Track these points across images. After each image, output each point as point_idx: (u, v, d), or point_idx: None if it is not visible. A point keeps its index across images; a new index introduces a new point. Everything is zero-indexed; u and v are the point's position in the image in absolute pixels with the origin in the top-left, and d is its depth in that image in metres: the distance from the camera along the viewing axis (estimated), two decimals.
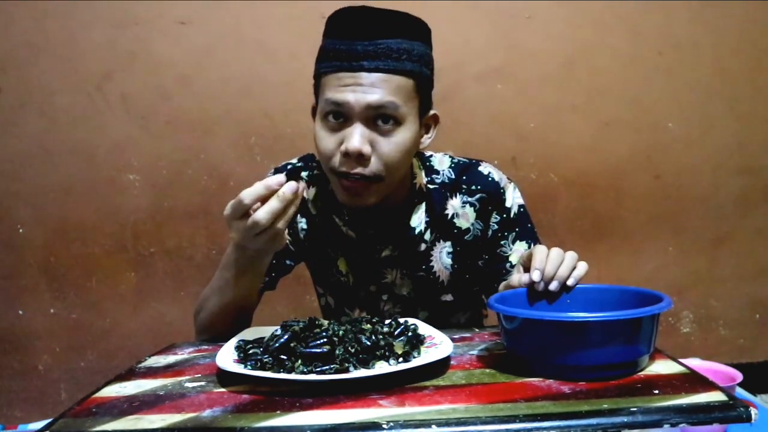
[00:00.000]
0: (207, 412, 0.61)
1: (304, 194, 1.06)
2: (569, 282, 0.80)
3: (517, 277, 0.86)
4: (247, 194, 0.75)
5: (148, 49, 1.78)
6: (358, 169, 0.89)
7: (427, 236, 1.04)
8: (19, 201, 1.77)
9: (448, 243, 1.06)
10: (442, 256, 1.06)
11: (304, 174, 1.08)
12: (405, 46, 0.89)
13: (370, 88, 0.87)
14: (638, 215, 2.03)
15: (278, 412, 0.60)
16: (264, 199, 0.76)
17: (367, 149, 0.88)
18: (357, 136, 0.87)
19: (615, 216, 2.02)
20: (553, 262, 0.80)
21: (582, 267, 0.82)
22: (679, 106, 2.02)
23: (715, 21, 2.00)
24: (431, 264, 1.06)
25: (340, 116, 0.89)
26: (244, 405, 0.63)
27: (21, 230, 1.78)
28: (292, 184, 0.76)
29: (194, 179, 1.82)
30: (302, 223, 1.08)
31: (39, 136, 1.76)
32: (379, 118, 0.88)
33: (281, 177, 0.76)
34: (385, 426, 0.56)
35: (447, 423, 0.56)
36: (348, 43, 0.88)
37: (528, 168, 1.93)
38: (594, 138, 1.99)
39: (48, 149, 1.76)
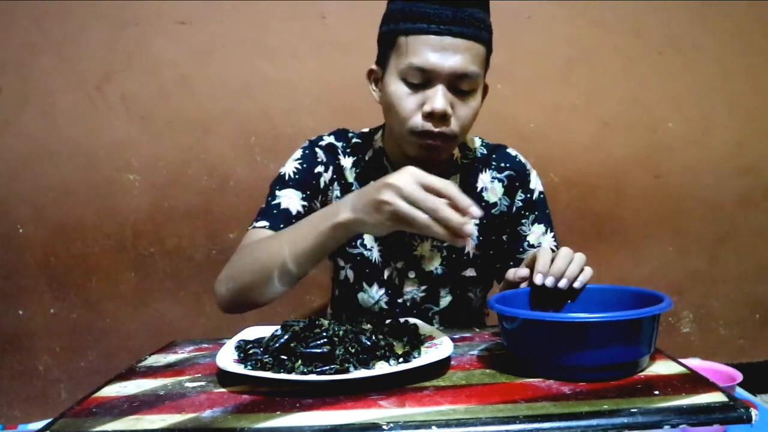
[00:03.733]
0: (207, 413, 0.61)
1: (342, 162, 1.09)
2: (576, 284, 0.81)
3: (513, 272, 0.87)
4: (450, 185, 0.73)
5: (148, 49, 1.78)
6: (441, 128, 0.93)
7: None
8: (19, 201, 1.76)
9: None
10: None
11: (340, 144, 1.11)
12: (482, 16, 0.94)
13: (454, 53, 0.91)
14: (638, 215, 2.03)
15: (278, 412, 0.60)
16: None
17: (450, 110, 0.93)
18: (441, 98, 0.91)
19: (615, 216, 2.02)
20: (563, 260, 0.81)
21: (588, 271, 0.83)
22: (679, 106, 2.02)
23: (715, 21, 2.00)
24: None
25: (422, 78, 0.92)
26: (244, 405, 0.63)
27: (21, 230, 1.77)
28: (477, 213, 0.72)
29: (194, 179, 1.82)
30: (337, 191, 1.09)
31: (39, 136, 1.76)
32: (459, 82, 0.93)
33: (478, 211, 0.72)
34: (385, 427, 0.56)
35: (447, 424, 0.56)
36: (435, 7, 0.90)
37: None
38: (594, 138, 1.99)
39: (48, 149, 1.76)
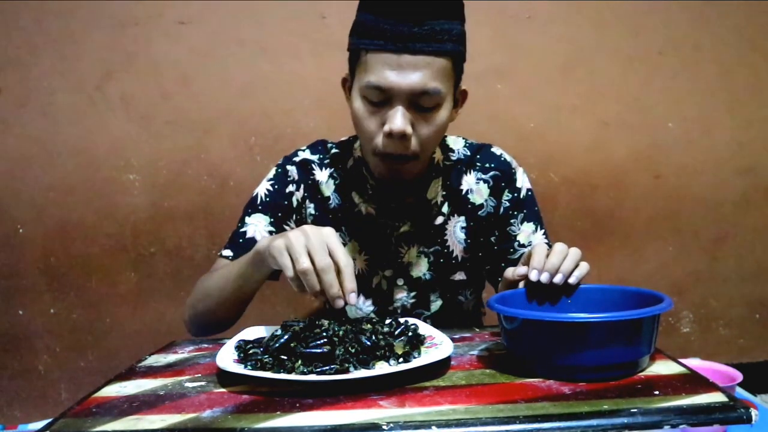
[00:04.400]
0: (207, 413, 0.61)
1: (317, 177, 1.09)
2: (571, 280, 0.80)
3: (512, 271, 0.87)
4: (351, 266, 0.76)
5: (148, 49, 1.78)
6: (400, 150, 0.92)
7: (444, 209, 1.08)
8: (19, 201, 1.76)
9: (462, 218, 1.09)
10: (456, 231, 1.09)
11: (315, 157, 1.10)
12: (446, 27, 0.89)
13: (413, 71, 0.88)
14: (638, 215, 2.03)
15: (278, 412, 0.60)
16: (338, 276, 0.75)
17: (409, 130, 0.90)
18: (400, 118, 0.89)
19: (615, 216, 2.02)
20: (558, 255, 0.80)
21: (584, 267, 0.82)
22: (679, 106, 2.02)
23: (715, 21, 2.00)
24: (446, 238, 1.09)
25: (381, 96, 0.90)
26: (244, 405, 0.63)
27: (21, 230, 1.78)
28: (352, 301, 0.76)
29: (194, 179, 1.82)
30: (311, 208, 1.09)
31: (39, 136, 1.76)
32: (420, 100, 0.90)
33: (354, 299, 0.76)
34: (385, 427, 0.56)
35: (447, 424, 0.56)
36: (392, 23, 0.87)
37: (528, 168, 1.90)
38: (594, 138, 1.99)
39: (48, 149, 1.76)
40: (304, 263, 0.74)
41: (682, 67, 2.00)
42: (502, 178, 1.10)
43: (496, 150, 1.13)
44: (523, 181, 1.11)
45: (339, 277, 0.75)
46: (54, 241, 1.78)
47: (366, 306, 1.09)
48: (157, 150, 1.80)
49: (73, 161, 1.78)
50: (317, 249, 0.74)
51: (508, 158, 1.12)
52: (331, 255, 0.75)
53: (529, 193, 1.12)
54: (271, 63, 1.82)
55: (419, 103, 0.90)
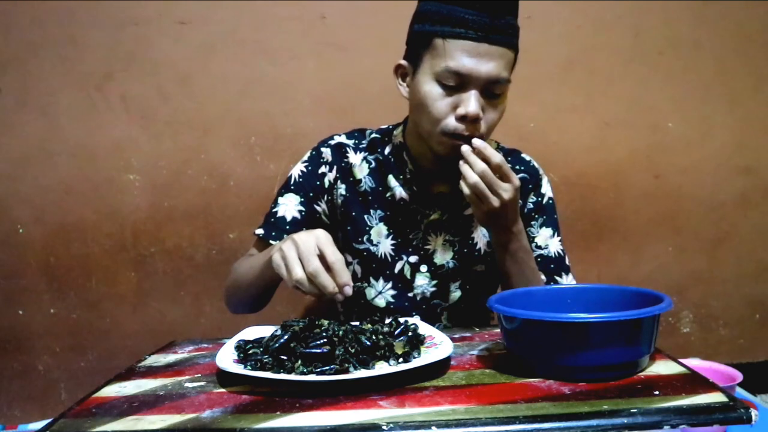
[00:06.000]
0: (207, 413, 0.61)
1: (350, 159, 1.13)
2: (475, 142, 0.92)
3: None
4: (340, 261, 0.81)
5: (148, 49, 1.78)
6: (470, 131, 0.98)
7: None
8: (19, 201, 1.76)
9: None
10: None
11: (350, 142, 1.14)
12: (513, 22, 0.99)
13: (489, 60, 0.95)
14: (638, 215, 2.03)
15: (278, 412, 0.61)
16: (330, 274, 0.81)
17: (482, 114, 0.97)
18: (475, 102, 0.95)
19: (615, 216, 2.01)
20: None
21: (497, 156, 0.93)
22: (679, 106, 2.01)
23: (715, 21, 2.00)
24: (472, 229, 1.13)
25: (457, 81, 0.95)
26: (244, 405, 0.63)
27: (21, 230, 1.77)
28: (348, 293, 0.81)
29: (194, 179, 1.82)
30: (342, 189, 1.12)
31: (39, 136, 1.76)
32: (491, 87, 0.97)
33: (350, 291, 0.82)
34: (384, 427, 0.56)
35: (447, 424, 0.56)
36: (475, 14, 0.93)
37: None
38: (594, 138, 1.99)
39: (48, 149, 1.76)
40: (298, 273, 0.80)
41: (682, 67, 2.00)
42: (529, 182, 1.17)
43: (526, 156, 1.21)
44: (547, 189, 1.19)
45: (331, 274, 0.80)
46: (54, 241, 1.78)
47: (386, 290, 1.11)
48: (157, 150, 1.80)
49: (73, 161, 1.77)
50: (306, 256, 0.80)
51: (537, 165, 1.20)
52: (321, 255, 0.80)
53: (551, 201, 1.18)
54: (271, 63, 1.82)
55: (491, 90, 0.97)
